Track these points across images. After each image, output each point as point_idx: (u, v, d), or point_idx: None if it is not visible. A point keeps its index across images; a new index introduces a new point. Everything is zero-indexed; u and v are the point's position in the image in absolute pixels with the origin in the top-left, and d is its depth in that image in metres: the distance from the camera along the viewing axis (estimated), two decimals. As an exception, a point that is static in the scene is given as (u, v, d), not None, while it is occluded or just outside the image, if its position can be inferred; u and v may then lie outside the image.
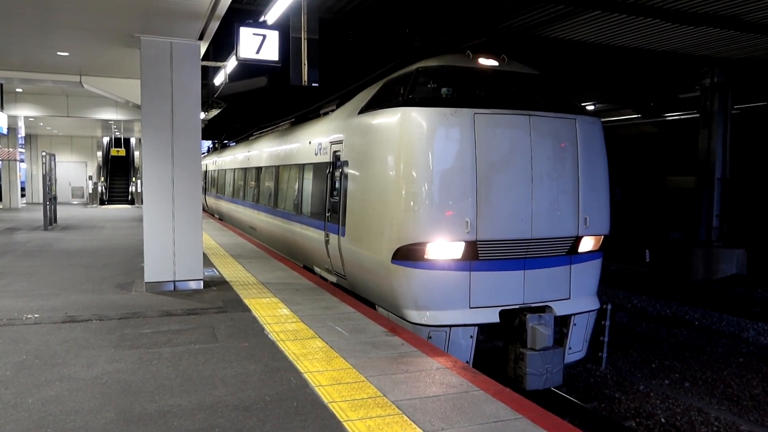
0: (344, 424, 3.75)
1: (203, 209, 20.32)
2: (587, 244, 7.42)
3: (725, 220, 17.15)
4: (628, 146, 24.06)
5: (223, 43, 11.63)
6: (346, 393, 4.26)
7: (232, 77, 12.54)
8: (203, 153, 27.99)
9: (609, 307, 8.02)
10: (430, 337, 6.62)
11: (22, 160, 26.95)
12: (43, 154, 17.36)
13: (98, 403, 4.03)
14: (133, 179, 31.76)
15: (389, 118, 7.10)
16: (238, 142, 22.09)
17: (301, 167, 10.54)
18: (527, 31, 13.28)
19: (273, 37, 6.95)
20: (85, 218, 20.15)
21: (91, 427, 3.65)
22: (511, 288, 6.97)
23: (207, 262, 9.83)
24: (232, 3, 6.70)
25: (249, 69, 13.80)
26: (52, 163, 17.87)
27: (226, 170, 20.18)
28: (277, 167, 12.47)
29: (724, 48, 14.44)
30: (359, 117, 8.00)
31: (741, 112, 18.70)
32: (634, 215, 22.23)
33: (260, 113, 25.01)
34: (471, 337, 6.80)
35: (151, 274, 7.71)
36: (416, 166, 6.64)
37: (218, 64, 11.84)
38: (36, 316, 6.40)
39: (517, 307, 7.01)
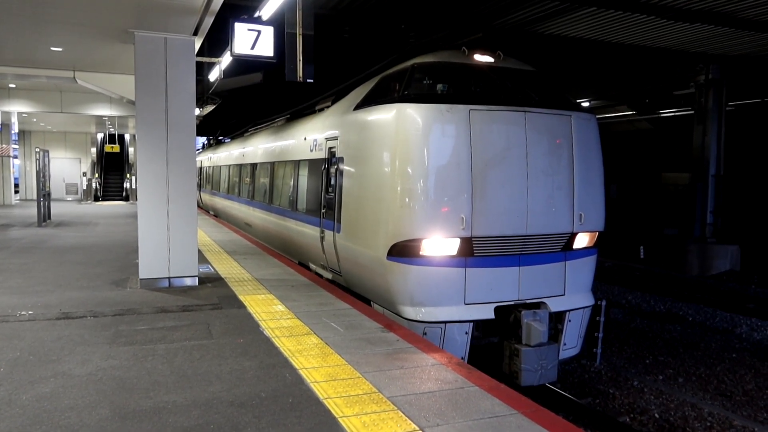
0: (339, 420, 3.75)
1: (198, 206, 20.27)
2: (582, 240, 7.44)
3: (719, 217, 17.23)
4: (623, 143, 24.09)
5: (217, 39, 11.57)
6: (341, 389, 4.26)
7: (227, 73, 12.48)
8: (198, 149, 27.89)
9: (603, 303, 8.06)
10: (425, 334, 6.63)
11: (15, 157, 26.80)
12: (37, 150, 17.27)
13: (93, 399, 4.03)
14: (128, 175, 31.65)
15: (385, 114, 7.09)
16: (233, 138, 22.04)
17: (297, 164, 10.52)
18: (523, 28, 13.28)
19: (268, 33, 6.92)
20: (80, 215, 20.07)
21: (85, 424, 3.64)
22: (506, 284, 6.98)
23: (202, 259, 9.81)
24: (226, -2, 6.68)
25: (244, 65, 13.75)
26: (46, 159, 17.78)
27: (221, 166, 20.13)
28: (273, 163, 12.45)
29: (719, 45, 14.47)
30: (355, 113, 7.98)
31: (735, 109, 18.76)
32: (629, 212, 22.28)
33: (255, 109, 24.94)
34: (466, 333, 6.81)
35: (145, 271, 7.69)
36: (412, 163, 6.64)
37: (213, 59, 11.78)
38: (30, 312, 6.38)
39: (512, 303, 7.03)
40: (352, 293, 7.77)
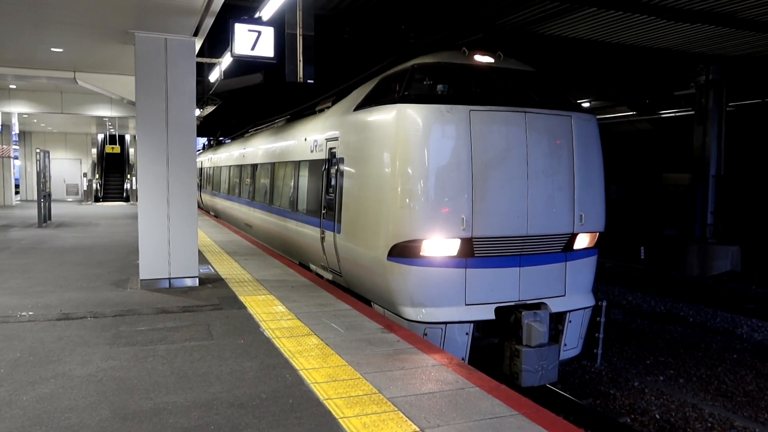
0: (340, 420, 3.75)
1: (198, 206, 20.28)
2: (582, 241, 7.44)
3: (720, 217, 17.21)
4: (624, 143, 24.09)
5: (218, 40, 11.58)
6: (341, 390, 4.26)
7: (228, 74, 12.48)
8: (198, 150, 27.90)
9: (604, 303, 8.05)
10: (425, 334, 6.63)
11: (15, 157, 26.82)
12: (37, 151, 17.27)
13: (93, 400, 4.02)
14: (128, 176, 31.67)
15: (385, 115, 7.09)
16: (233, 139, 22.04)
17: (297, 164, 10.52)
18: (523, 28, 13.27)
19: (268, 34, 6.92)
20: (80, 215, 20.08)
21: (86, 425, 3.64)
22: (506, 285, 6.98)
23: (202, 260, 9.81)
24: (227, -1, 6.68)
25: (244, 65, 13.74)
26: (47, 160, 17.79)
27: (221, 167, 20.13)
28: (273, 164, 12.45)
29: (720, 45, 14.46)
30: (355, 114, 7.98)
31: (736, 110, 18.76)
32: (630, 212, 22.28)
33: (256, 110, 24.94)
34: (467, 334, 6.81)
35: (146, 272, 7.69)
36: (412, 163, 6.64)
37: (213, 60, 11.78)
38: (30, 313, 6.38)
39: (512, 304, 7.03)
40: (353, 294, 7.77)
